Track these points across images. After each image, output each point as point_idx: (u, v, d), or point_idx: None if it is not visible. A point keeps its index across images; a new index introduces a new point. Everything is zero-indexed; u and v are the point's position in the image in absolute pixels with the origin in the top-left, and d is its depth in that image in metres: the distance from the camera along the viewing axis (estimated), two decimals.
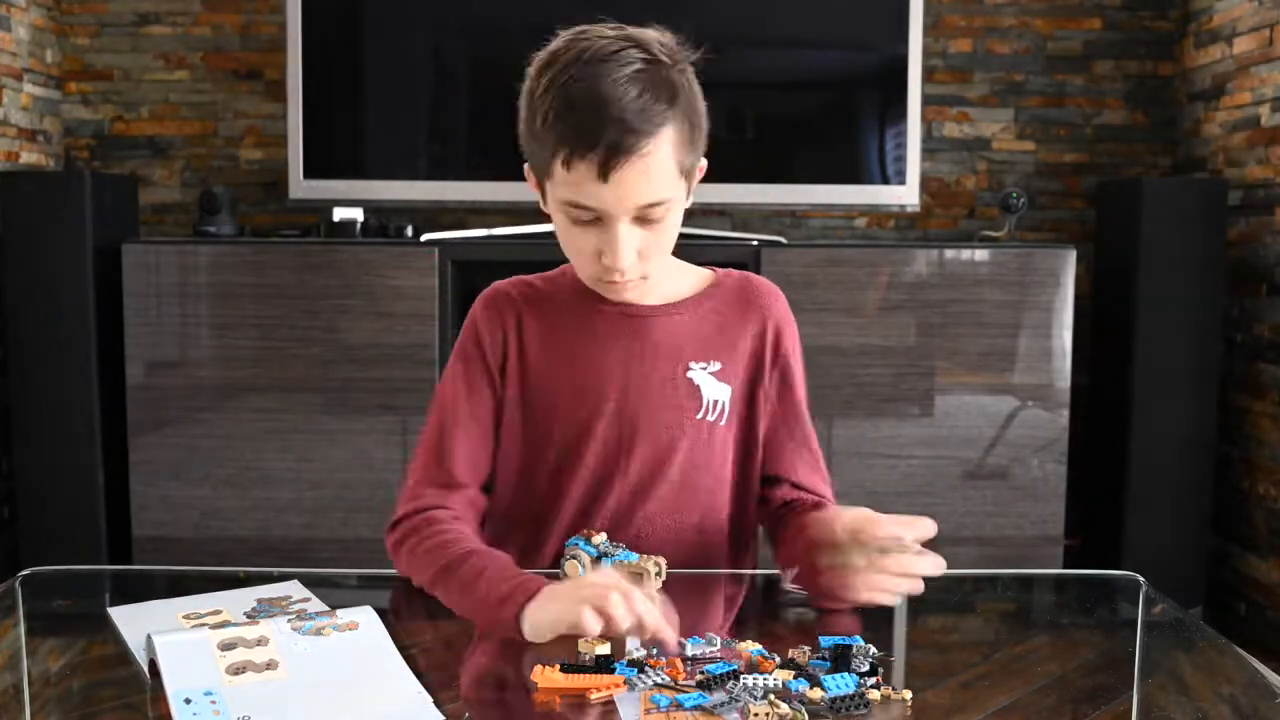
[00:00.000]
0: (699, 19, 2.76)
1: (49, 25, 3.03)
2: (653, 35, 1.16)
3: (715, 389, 1.27)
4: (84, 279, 2.58)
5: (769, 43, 2.82)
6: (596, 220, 1.15)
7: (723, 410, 1.28)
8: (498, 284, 1.33)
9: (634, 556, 1.07)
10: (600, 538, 1.13)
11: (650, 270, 1.21)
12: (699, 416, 1.27)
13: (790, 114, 2.85)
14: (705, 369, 1.27)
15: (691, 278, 1.33)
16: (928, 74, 2.99)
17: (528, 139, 1.18)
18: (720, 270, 1.34)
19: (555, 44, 1.16)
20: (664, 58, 1.15)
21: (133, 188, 2.90)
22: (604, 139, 1.10)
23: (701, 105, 1.19)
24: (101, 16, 3.09)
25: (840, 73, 2.85)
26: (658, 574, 1.05)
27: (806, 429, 1.33)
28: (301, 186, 2.75)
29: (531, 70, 1.17)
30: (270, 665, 0.91)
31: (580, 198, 1.14)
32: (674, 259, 1.30)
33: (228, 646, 0.91)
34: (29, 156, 2.91)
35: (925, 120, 3.03)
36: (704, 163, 1.23)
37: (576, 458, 1.27)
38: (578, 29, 1.16)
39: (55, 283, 2.58)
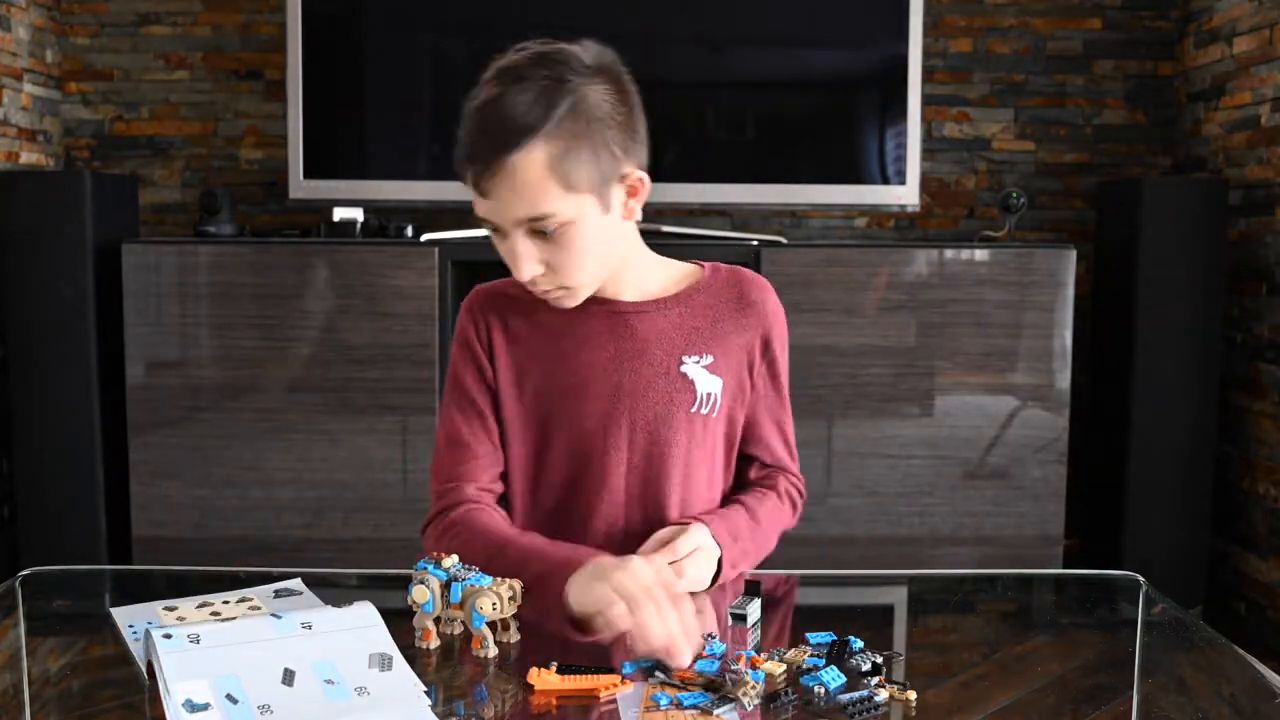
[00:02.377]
0: (700, 19, 2.81)
1: (49, 25, 3.03)
2: (576, 51, 1.16)
3: (708, 382, 1.29)
4: (84, 279, 2.58)
5: (769, 43, 2.82)
6: (499, 230, 1.19)
7: (715, 403, 1.29)
8: (480, 286, 1.35)
9: (486, 580, 1.03)
10: (450, 560, 1.06)
11: (575, 282, 1.21)
12: (694, 410, 1.28)
13: (790, 114, 2.84)
14: (698, 362, 1.28)
15: (676, 273, 1.34)
16: (928, 74, 2.99)
17: None
18: (709, 265, 1.35)
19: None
20: (570, 75, 1.14)
21: (133, 188, 2.90)
22: (475, 153, 1.14)
23: (619, 119, 1.17)
24: (101, 16, 3.09)
25: (840, 73, 2.84)
26: (511, 598, 1.02)
27: (785, 409, 1.37)
28: (301, 186, 2.75)
29: None
30: (270, 664, 0.91)
31: (476, 209, 1.19)
32: (653, 255, 1.33)
33: (227, 645, 0.91)
34: (29, 156, 2.92)
35: (925, 120, 3.03)
36: (639, 175, 1.20)
37: (579, 456, 1.28)
38: (520, 45, 1.18)
39: (55, 283, 2.58)
